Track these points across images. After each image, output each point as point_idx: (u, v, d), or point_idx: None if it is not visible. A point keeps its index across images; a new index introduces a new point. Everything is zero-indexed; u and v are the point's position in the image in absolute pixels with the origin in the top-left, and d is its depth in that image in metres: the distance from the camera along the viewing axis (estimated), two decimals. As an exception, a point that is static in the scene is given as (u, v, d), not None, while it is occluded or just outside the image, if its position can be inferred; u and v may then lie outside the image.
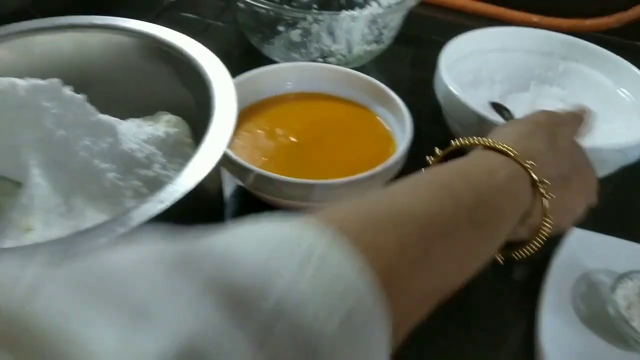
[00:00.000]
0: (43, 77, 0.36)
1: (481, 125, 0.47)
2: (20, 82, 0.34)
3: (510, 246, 0.35)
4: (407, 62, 0.72)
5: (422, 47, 0.71)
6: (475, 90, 0.58)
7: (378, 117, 0.52)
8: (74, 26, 0.44)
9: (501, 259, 0.36)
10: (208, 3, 0.79)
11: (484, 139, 0.35)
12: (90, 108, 0.36)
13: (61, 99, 0.34)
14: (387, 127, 0.51)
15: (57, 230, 0.34)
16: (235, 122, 0.37)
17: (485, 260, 0.30)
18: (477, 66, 0.58)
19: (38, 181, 0.34)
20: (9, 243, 0.34)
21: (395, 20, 0.61)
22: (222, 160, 0.35)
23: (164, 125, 0.43)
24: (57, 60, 0.44)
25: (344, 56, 0.61)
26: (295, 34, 0.60)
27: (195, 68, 0.41)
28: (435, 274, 0.26)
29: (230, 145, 0.38)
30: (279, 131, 0.51)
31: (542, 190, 0.33)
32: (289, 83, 0.54)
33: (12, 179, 0.35)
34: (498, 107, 0.56)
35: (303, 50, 0.61)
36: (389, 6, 0.59)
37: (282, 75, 0.53)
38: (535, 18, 0.77)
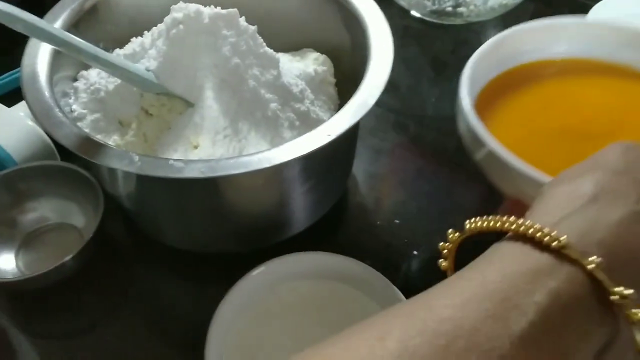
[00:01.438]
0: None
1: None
2: (205, 9, 0.36)
3: None
4: (530, 18, 0.69)
5: (548, 4, 0.68)
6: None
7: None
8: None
9: None
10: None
11: (513, 221, 0.21)
12: (260, 40, 0.39)
13: (238, 28, 0.37)
14: None
15: (223, 150, 0.37)
16: (388, 72, 0.37)
17: None
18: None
19: (210, 104, 0.37)
20: (177, 155, 0.37)
21: (538, -26, 0.59)
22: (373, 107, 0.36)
23: (313, 63, 0.45)
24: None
25: (477, 7, 0.60)
26: (433, -20, 0.59)
27: (351, 11, 0.42)
28: None
29: (481, 109, 0.34)
30: (552, 109, 0.39)
31: (627, 309, 0.18)
32: (562, 44, 0.41)
33: (185, 99, 0.38)
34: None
35: (437, -3, 0.60)
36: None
37: (554, 33, 0.41)
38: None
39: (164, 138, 0.38)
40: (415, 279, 0.44)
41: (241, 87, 0.37)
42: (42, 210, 0.46)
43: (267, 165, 0.32)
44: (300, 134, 0.39)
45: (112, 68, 0.35)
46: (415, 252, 0.45)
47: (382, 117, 0.56)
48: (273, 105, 0.38)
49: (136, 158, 0.31)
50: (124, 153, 0.32)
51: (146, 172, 0.31)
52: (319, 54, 0.46)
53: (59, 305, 0.42)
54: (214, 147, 0.37)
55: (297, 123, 0.40)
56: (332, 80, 0.46)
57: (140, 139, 0.39)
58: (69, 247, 0.41)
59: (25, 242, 0.45)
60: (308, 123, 0.40)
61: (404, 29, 0.65)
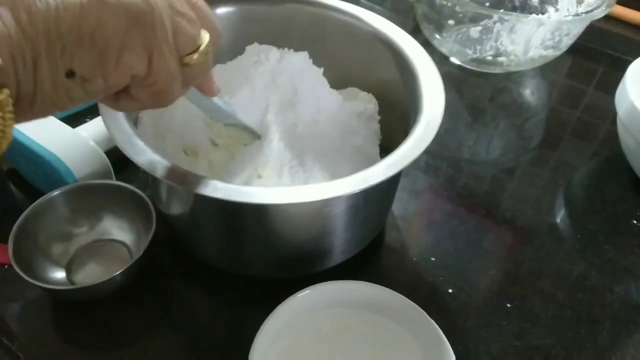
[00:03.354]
0: (276, 43, 0.41)
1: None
2: (278, 50, 0.39)
3: None
4: (568, 71, 0.71)
5: (586, 57, 0.70)
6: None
7: None
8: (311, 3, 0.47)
9: None
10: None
11: None
12: (324, 79, 0.41)
13: (307, 69, 0.39)
14: None
15: (288, 180, 0.39)
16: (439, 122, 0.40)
17: None
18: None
19: (278, 136, 0.39)
20: (238, 182, 0.39)
21: (578, 29, 0.61)
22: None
23: (362, 101, 0.47)
24: (291, 30, 0.47)
25: (517, 57, 0.62)
26: (475, 31, 0.61)
27: (401, 54, 0.45)
28: None
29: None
30: None
31: None
32: None
33: (254, 131, 0.41)
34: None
35: (478, 47, 0.63)
36: (578, 14, 0.59)
37: None
38: None
39: (229, 167, 0.40)
40: (451, 316, 0.44)
41: (307, 122, 0.39)
42: (96, 226, 0.48)
43: (333, 195, 0.33)
44: (355, 167, 0.41)
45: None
46: (450, 291, 0.46)
47: (420, 159, 0.58)
48: (334, 139, 0.40)
49: (218, 185, 0.33)
50: (200, 178, 0.34)
51: (230, 198, 0.32)
52: (365, 93, 0.48)
53: (102, 318, 0.44)
54: (280, 177, 0.39)
55: (353, 157, 0.42)
56: (377, 117, 0.48)
57: (206, 166, 0.41)
58: (117, 263, 0.43)
59: (77, 255, 0.47)
60: (361, 157, 0.42)
61: (443, 74, 0.68)
